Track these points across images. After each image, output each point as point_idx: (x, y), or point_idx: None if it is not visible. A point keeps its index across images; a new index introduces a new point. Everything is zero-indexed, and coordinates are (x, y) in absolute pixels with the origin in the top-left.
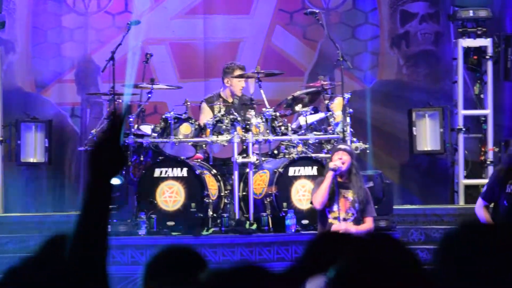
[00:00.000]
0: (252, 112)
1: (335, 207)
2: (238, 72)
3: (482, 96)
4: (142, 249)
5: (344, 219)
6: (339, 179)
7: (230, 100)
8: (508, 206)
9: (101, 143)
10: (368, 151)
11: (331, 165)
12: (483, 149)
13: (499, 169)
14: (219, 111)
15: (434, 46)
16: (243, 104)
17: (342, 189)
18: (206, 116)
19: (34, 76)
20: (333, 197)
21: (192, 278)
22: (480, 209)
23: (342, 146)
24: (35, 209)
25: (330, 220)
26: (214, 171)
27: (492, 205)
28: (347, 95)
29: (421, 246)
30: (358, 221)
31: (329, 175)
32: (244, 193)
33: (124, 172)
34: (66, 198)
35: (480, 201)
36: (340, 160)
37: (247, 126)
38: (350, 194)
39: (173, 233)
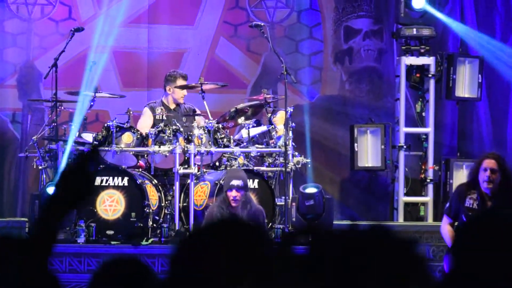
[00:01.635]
0: (198, 122)
1: None
2: (180, 80)
3: (423, 114)
4: (81, 257)
5: None
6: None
7: (172, 107)
8: (466, 221)
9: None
10: (309, 165)
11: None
12: (423, 167)
13: (460, 184)
14: (161, 117)
15: (377, 62)
16: (186, 115)
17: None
18: (146, 120)
19: None
20: None
21: None
22: (444, 227)
23: (235, 183)
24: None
25: None
26: (155, 181)
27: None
28: (289, 109)
29: None
30: None
31: None
32: (184, 204)
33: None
34: (4, 203)
35: (444, 218)
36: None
37: (189, 137)
38: None
39: (113, 242)
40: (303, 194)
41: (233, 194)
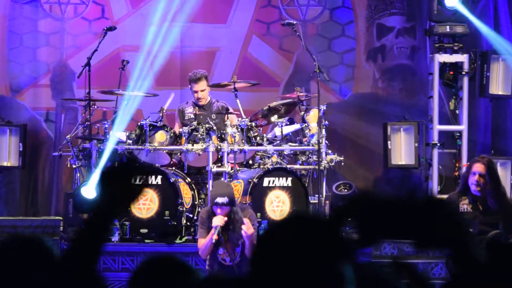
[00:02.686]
0: (231, 121)
1: (221, 251)
2: (192, 83)
3: (457, 111)
4: (115, 256)
5: (233, 260)
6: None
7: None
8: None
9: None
10: (342, 163)
11: (215, 224)
12: (457, 165)
13: (451, 194)
14: (191, 118)
15: (410, 60)
16: (218, 113)
17: (230, 235)
18: (176, 126)
19: (9, 80)
20: (218, 243)
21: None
22: None
23: (219, 201)
24: (8, 213)
25: (219, 260)
26: (188, 179)
27: None
28: (322, 107)
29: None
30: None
31: (213, 236)
32: None
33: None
34: (39, 202)
35: None
36: (221, 217)
37: (223, 136)
38: (239, 236)
39: (146, 241)
40: (337, 195)
41: (218, 211)
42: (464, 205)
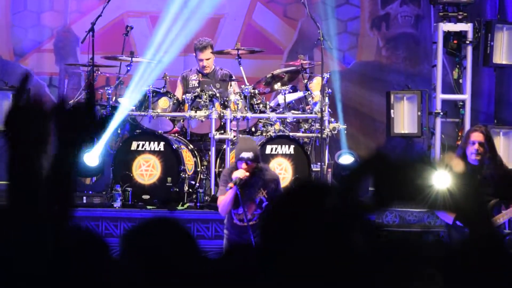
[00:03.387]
0: (233, 88)
1: (240, 210)
2: (198, 52)
3: (460, 81)
4: (117, 222)
5: (249, 220)
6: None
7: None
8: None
9: (77, 107)
10: (344, 131)
11: (235, 176)
12: (460, 134)
13: None
14: (195, 85)
15: (414, 29)
16: (222, 81)
17: (247, 191)
18: (178, 91)
19: (13, 45)
20: (237, 202)
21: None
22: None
23: (245, 155)
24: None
25: (235, 221)
26: (191, 146)
27: None
28: (326, 75)
29: (395, 228)
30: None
31: (232, 190)
32: (220, 170)
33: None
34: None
35: None
36: (243, 171)
37: (225, 103)
38: (258, 194)
39: (148, 207)
40: (338, 164)
41: (243, 166)
42: None
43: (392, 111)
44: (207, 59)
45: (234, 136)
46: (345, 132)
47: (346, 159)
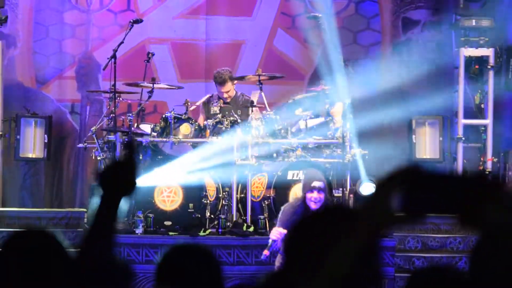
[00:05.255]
0: (255, 114)
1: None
2: (218, 84)
3: (482, 105)
4: (139, 248)
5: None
6: None
7: (228, 98)
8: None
9: (115, 164)
10: (366, 157)
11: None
12: (482, 159)
13: None
14: (216, 112)
15: (436, 54)
16: (244, 107)
17: None
18: (200, 119)
19: (35, 72)
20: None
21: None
22: None
23: (317, 184)
24: (32, 204)
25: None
26: (212, 172)
27: None
28: (347, 101)
29: (417, 254)
30: None
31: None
32: (242, 195)
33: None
34: (64, 194)
35: None
36: (279, 232)
37: (247, 129)
38: None
39: (170, 233)
40: (359, 194)
41: (314, 195)
42: None
43: (413, 136)
44: (227, 92)
45: (256, 162)
46: (366, 157)
47: (367, 187)
